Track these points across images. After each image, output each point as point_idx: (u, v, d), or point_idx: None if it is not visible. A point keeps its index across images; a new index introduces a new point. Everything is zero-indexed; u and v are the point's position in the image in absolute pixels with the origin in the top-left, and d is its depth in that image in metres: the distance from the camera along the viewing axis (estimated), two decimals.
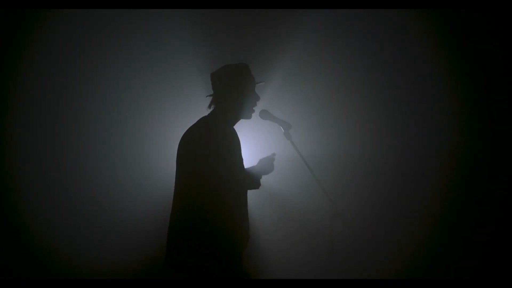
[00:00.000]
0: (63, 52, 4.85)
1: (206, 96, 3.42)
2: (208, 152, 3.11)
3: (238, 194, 3.20)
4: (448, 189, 4.88)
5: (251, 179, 3.38)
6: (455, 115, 4.91)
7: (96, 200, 4.85)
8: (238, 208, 3.19)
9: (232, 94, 3.32)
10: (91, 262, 4.79)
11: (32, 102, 4.85)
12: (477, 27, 4.82)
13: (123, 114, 4.93)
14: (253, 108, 3.40)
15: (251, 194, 3.33)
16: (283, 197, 4.87)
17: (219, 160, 3.11)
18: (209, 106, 3.38)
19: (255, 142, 3.49)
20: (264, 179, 3.48)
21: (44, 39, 4.80)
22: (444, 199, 4.88)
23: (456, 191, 4.87)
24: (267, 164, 3.46)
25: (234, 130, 3.34)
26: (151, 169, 4.89)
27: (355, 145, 4.93)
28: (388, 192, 4.90)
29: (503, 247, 4.72)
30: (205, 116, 3.36)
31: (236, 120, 3.38)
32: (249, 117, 3.42)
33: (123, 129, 4.92)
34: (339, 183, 4.67)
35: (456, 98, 4.90)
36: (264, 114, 3.53)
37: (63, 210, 4.83)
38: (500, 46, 4.79)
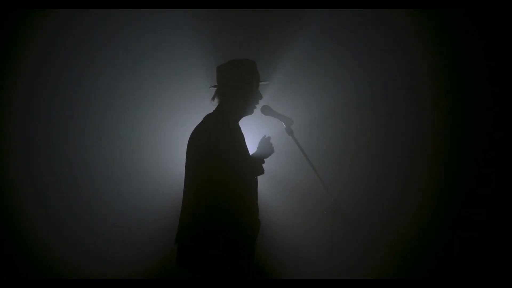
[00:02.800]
0: (65, 52, 4.86)
1: (210, 87, 3.42)
2: (216, 150, 3.11)
3: (248, 191, 3.20)
4: (451, 188, 4.90)
5: (254, 167, 3.36)
6: (457, 114, 4.95)
7: (104, 201, 4.88)
8: (249, 203, 3.19)
9: (238, 90, 3.31)
10: (98, 264, 4.80)
11: (40, 102, 4.87)
12: (465, 27, 4.87)
13: (128, 114, 4.94)
14: (255, 106, 3.41)
15: None
16: (284, 192, 4.88)
17: (227, 157, 3.12)
18: (213, 99, 3.38)
19: (257, 138, 3.50)
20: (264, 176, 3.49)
21: (50, 37, 4.82)
22: (447, 198, 4.90)
23: (458, 191, 4.90)
24: (265, 147, 3.42)
25: (238, 125, 3.36)
26: (159, 168, 4.91)
27: (357, 141, 4.94)
28: (390, 188, 4.91)
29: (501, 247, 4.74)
30: (210, 114, 3.36)
31: (240, 116, 3.38)
32: (251, 113, 3.42)
33: (129, 129, 4.93)
34: (341, 179, 4.68)
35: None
36: (266, 110, 3.52)
37: (68, 209, 4.84)
38: (488, 45, 4.84)
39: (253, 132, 3.49)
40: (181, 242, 3.16)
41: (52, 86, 4.86)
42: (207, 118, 3.33)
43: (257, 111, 3.47)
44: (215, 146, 3.12)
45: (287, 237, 4.87)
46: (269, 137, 3.45)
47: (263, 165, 3.40)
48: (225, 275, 3.04)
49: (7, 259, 4.72)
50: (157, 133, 4.94)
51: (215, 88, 3.38)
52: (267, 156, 3.44)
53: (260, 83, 3.41)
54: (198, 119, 3.37)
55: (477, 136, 4.86)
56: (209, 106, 3.42)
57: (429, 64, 4.93)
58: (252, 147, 3.40)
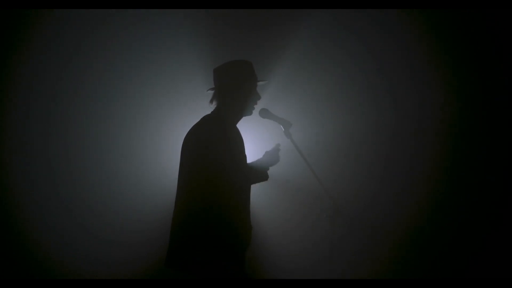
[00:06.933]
0: (62, 53, 4.86)
1: (207, 90, 3.41)
2: (211, 152, 3.10)
3: (241, 193, 3.19)
4: (451, 188, 4.90)
5: (258, 173, 3.34)
6: (453, 114, 4.95)
7: (97, 201, 4.88)
8: (241, 206, 3.18)
9: (236, 91, 3.30)
10: (92, 264, 4.81)
11: (38, 103, 4.88)
12: (470, 27, 4.86)
13: (124, 115, 4.94)
14: (254, 106, 3.41)
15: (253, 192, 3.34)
16: (283, 194, 4.87)
17: (222, 160, 3.10)
18: (211, 102, 3.37)
19: (255, 141, 3.49)
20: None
21: (47, 37, 4.82)
22: (447, 198, 4.90)
23: (459, 191, 4.89)
24: (272, 156, 3.38)
25: (237, 129, 3.33)
26: (153, 169, 4.91)
27: (355, 142, 4.95)
28: (390, 190, 4.91)
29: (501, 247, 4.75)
30: (208, 115, 3.34)
31: (238, 118, 3.36)
32: (250, 113, 3.41)
33: (125, 130, 4.93)
34: (340, 181, 4.69)
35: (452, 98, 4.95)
36: (264, 113, 3.51)
37: (65, 209, 4.85)
38: (495, 46, 4.83)
39: (251, 135, 3.48)
40: (172, 243, 3.16)
41: (49, 87, 4.86)
42: (204, 119, 3.32)
43: (255, 114, 3.47)
44: (210, 148, 3.10)
45: (287, 239, 4.88)
46: (278, 145, 3.41)
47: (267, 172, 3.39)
48: (213, 276, 3.04)
49: (5, 259, 4.73)
50: (154, 135, 4.94)
51: (213, 91, 3.37)
52: (271, 165, 3.41)
53: (258, 83, 3.40)
54: (195, 121, 3.36)
55: (479, 137, 4.86)
56: (206, 107, 3.41)
57: (429, 64, 4.93)
58: (250, 150, 3.39)
